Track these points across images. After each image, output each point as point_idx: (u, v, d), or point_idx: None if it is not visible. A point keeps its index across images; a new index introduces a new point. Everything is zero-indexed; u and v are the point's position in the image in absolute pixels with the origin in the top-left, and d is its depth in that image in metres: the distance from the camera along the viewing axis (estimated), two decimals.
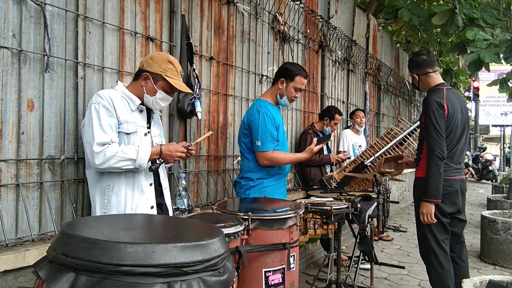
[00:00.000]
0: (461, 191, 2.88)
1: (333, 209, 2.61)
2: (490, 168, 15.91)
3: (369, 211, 2.95)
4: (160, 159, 2.02)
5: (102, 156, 1.85)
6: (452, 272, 2.84)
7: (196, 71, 2.95)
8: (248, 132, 2.80)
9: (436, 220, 2.80)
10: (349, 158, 4.66)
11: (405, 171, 8.86)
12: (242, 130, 2.86)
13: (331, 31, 5.24)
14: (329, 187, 4.09)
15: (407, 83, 9.44)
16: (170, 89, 2.08)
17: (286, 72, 2.81)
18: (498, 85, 7.33)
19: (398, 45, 9.44)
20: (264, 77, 3.92)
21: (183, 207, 2.68)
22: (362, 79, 6.67)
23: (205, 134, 2.35)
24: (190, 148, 2.10)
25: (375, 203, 3.00)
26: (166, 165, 2.31)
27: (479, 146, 19.74)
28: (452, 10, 5.83)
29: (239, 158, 3.07)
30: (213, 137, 3.34)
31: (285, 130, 3.06)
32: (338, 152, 5.30)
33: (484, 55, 5.66)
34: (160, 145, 2.06)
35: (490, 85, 7.67)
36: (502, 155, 22.62)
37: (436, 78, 2.95)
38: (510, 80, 7.26)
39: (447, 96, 2.82)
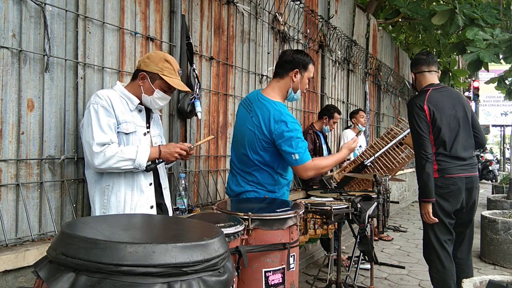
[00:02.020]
0: (467, 188, 2.83)
1: (333, 209, 2.61)
2: (490, 168, 15.91)
3: (369, 211, 2.95)
4: (159, 159, 2.03)
5: (102, 157, 1.86)
6: (453, 272, 2.85)
7: (196, 71, 2.95)
8: (269, 145, 2.36)
9: (437, 220, 2.82)
10: (349, 159, 4.66)
11: (405, 171, 8.85)
12: (258, 142, 2.38)
13: (331, 31, 5.24)
14: (329, 187, 4.09)
15: (407, 83, 9.44)
16: (167, 88, 2.08)
17: (299, 62, 2.40)
18: (496, 83, 7.33)
19: (398, 45, 9.44)
20: (264, 77, 3.92)
21: (183, 207, 2.68)
22: (362, 79, 6.67)
23: (206, 138, 2.35)
24: (190, 150, 2.11)
25: (375, 203, 3.00)
26: (166, 165, 2.31)
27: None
28: (452, 10, 5.83)
29: None
30: None
31: None
32: None
33: (483, 55, 5.66)
34: (159, 146, 2.06)
35: (487, 83, 7.68)
36: (502, 155, 22.63)
37: (429, 78, 2.97)
38: (508, 79, 7.26)
39: (429, 97, 2.85)
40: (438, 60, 9.61)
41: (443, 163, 2.82)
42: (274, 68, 3.42)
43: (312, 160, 2.39)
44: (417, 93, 3.07)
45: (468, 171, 2.86)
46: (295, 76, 2.40)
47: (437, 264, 2.84)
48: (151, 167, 2.01)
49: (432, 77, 2.98)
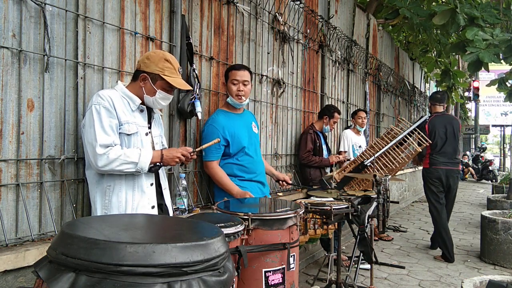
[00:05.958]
0: (447, 176, 4.97)
1: (333, 209, 2.61)
2: (490, 168, 15.89)
3: (369, 211, 2.96)
4: (160, 163, 2.03)
5: (105, 159, 1.85)
6: (443, 211, 5.01)
7: (196, 71, 2.95)
8: None
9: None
10: (348, 160, 4.66)
11: (405, 171, 8.82)
12: None
13: (331, 31, 5.24)
14: (329, 187, 4.09)
15: (407, 83, 9.43)
16: (169, 88, 2.07)
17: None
18: (497, 85, 7.30)
19: (398, 45, 9.43)
20: (264, 77, 3.92)
21: (183, 207, 2.68)
22: (362, 79, 6.67)
23: (211, 142, 2.36)
24: (192, 154, 2.11)
25: (375, 203, 3.00)
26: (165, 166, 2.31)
27: (479, 146, 19.78)
28: (453, 10, 5.81)
29: None
30: None
31: (254, 132, 3.09)
32: (339, 152, 5.31)
33: (483, 55, 5.63)
34: (162, 150, 2.06)
35: (489, 85, 7.63)
36: (502, 155, 22.63)
37: (438, 109, 5.21)
38: (509, 80, 7.24)
39: (431, 121, 5.08)
40: (439, 59, 9.64)
41: (433, 159, 5.01)
42: (273, 68, 3.70)
43: (214, 163, 2.86)
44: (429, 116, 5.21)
45: (449, 166, 4.98)
46: (224, 87, 3.12)
47: (433, 208, 5.06)
48: (153, 170, 2.02)
49: (440, 108, 5.21)
